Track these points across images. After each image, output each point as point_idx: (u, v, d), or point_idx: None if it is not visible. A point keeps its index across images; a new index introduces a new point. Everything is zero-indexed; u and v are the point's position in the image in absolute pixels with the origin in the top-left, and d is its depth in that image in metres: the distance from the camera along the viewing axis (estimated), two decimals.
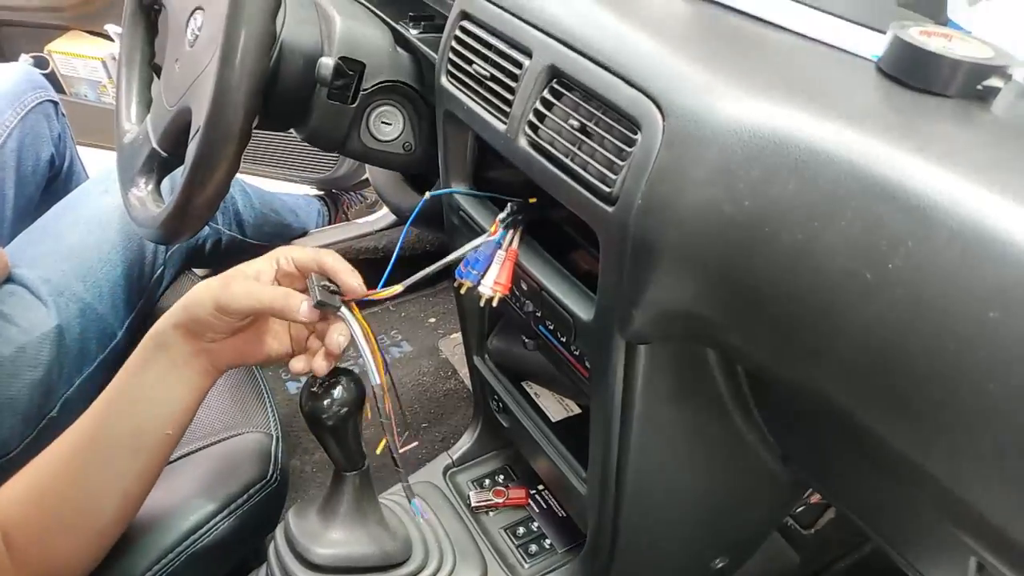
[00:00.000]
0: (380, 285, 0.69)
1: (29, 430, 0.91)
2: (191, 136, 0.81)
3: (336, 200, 1.82)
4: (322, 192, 1.83)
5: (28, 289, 0.94)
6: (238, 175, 1.37)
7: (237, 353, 0.69)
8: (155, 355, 0.67)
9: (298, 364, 0.66)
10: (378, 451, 0.67)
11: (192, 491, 0.84)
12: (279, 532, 0.80)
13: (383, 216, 1.71)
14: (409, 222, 0.85)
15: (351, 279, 0.65)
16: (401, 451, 0.67)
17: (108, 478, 0.67)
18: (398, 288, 0.68)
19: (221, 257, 1.30)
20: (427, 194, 0.76)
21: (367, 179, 1.80)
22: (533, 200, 0.72)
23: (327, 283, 0.65)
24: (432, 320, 1.71)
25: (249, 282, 0.65)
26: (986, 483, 0.43)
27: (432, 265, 0.70)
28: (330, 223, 1.76)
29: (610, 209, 0.56)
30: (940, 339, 0.41)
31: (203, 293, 0.64)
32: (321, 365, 0.65)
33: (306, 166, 1.80)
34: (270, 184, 1.65)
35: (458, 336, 1.64)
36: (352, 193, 1.86)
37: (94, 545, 0.69)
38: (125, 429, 0.67)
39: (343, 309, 0.65)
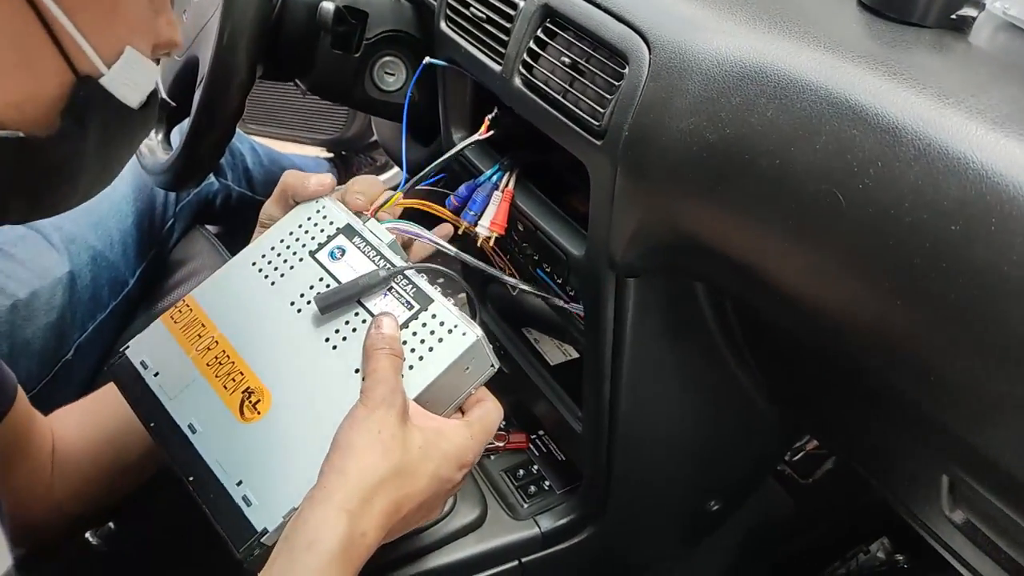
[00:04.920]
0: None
1: (45, 372, 0.94)
2: (197, 84, 0.83)
3: (346, 162, 1.84)
4: (332, 155, 1.85)
5: (41, 235, 0.97)
6: (248, 135, 1.39)
7: None
8: None
9: None
10: None
11: None
12: None
13: (393, 176, 1.73)
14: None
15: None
16: None
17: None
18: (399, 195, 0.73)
19: (230, 213, 1.32)
20: (426, 59, 0.79)
21: (376, 140, 1.82)
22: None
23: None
24: (440, 280, 1.73)
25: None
26: (953, 397, 0.45)
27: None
28: (340, 184, 1.78)
29: (599, 143, 0.58)
30: (906, 254, 0.43)
31: None
32: None
33: (316, 127, 1.82)
34: (281, 146, 1.67)
35: (463, 297, 1.66)
36: (362, 155, 1.88)
37: (124, 476, 0.73)
38: None
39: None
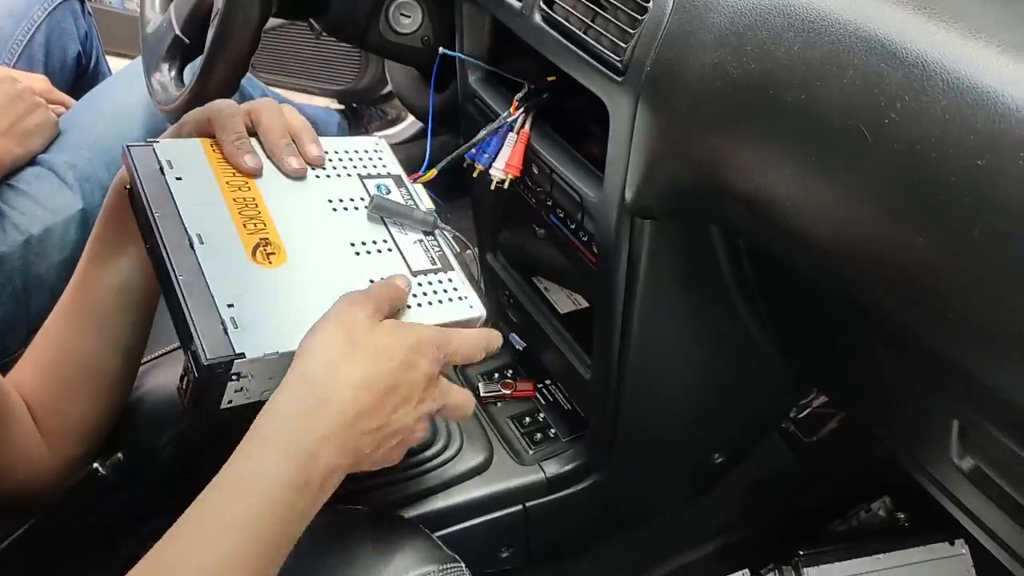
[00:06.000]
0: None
1: None
2: (212, 19, 0.82)
3: (357, 114, 1.83)
4: (343, 106, 1.84)
5: (55, 173, 0.97)
6: (261, 84, 1.38)
7: None
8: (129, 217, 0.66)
9: None
10: None
11: None
12: None
13: (404, 128, 1.72)
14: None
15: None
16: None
17: (104, 336, 0.69)
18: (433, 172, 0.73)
19: None
20: (440, 49, 0.81)
21: (388, 93, 1.80)
22: (552, 79, 0.73)
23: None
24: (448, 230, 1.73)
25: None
26: (972, 336, 0.44)
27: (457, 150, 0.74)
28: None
29: (619, 79, 0.57)
30: (932, 189, 0.42)
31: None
32: None
33: (328, 77, 1.80)
34: (291, 95, 1.66)
35: (472, 252, 1.66)
36: (373, 108, 1.87)
37: (106, 401, 0.71)
38: (112, 286, 0.67)
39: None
